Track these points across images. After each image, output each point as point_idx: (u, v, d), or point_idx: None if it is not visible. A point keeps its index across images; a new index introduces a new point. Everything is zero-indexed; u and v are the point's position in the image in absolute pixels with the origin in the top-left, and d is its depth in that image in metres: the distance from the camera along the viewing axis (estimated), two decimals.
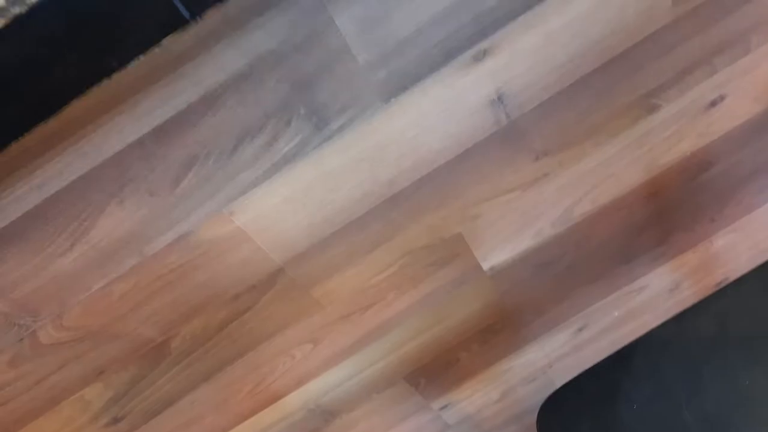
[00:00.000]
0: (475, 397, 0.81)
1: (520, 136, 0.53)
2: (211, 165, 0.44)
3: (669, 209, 0.68)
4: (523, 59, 0.47)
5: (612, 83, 0.53)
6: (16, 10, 0.23)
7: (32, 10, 0.24)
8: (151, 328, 0.53)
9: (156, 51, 0.36)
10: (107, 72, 0.30)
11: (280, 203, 0.49)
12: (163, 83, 0.39)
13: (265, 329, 0.58)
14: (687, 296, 0.80)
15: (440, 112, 0.48)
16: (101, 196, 0.43)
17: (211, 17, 0.34)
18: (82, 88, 0.31)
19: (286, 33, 0.40)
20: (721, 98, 0.58)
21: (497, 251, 0.62)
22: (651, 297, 0.78)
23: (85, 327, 0.50)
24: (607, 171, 0.60)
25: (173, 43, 0.35)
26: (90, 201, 0.43)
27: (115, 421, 0.59)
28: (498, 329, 0.73)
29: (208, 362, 0.58)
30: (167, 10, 0.28)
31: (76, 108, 0.38)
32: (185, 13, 0.29)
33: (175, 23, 0.29)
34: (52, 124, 0.39)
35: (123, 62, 0.30)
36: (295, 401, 0.68)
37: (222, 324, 0.55)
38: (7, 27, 0.26)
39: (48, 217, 0.43)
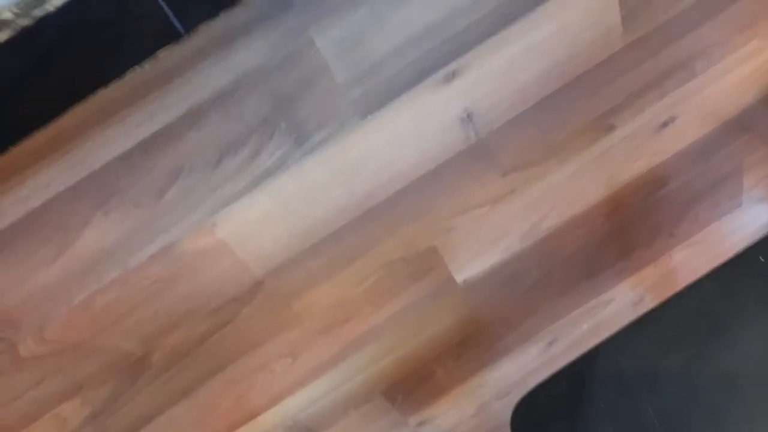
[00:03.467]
0: (451, 412, 0.82)
1: (488, 153, 0.56)
2: (195, 177, 0.46)
3: (629, 225, 0.72)
4: (489, 80, 0.51)
5: (571, 104, 0.57)
6: (24, 22, 0.25)
7: (39, 22, 0.26)
8: (131, 341, 0.53)
9: (146, 67, 0.38)
10: (103, 82, 0.33)
11: (260, 216, 0.50)
12: (152, 98, 0.41)
13: (244, 343, 0.59)
14: None
15: (413, 129, 0.51)
16: (87, 208, 0.45)
17: (200, 35, 0.37)
18: (78, 97, 0.33)
19: (270, 53, 0.43)
20: (672, 119, 0.63)
21: (469, 265, 0.65)
22: (617, 310, 0.82)
23: (66, 340, 0.51)
24: (570, 188, 0.64)
25: (163, 59, 0.38)
26: (76, 212, 0.45)
27: None
28: (471, 344, 0.75)
29: (188, 377, 0.59)
30: (163, 24, 0.31)
31: (65, 121, 0.40)
32: (179, 27, 0.31)
33: (169, 37, 0.32)
34: (40, 138, 0.40)
35: (118, 72, 0.33)
36: (272, 418, 0.68)
37: (202, 337, 0.56)
38: (12, 39, 0.28)
39: (33, 229, 0.44)
